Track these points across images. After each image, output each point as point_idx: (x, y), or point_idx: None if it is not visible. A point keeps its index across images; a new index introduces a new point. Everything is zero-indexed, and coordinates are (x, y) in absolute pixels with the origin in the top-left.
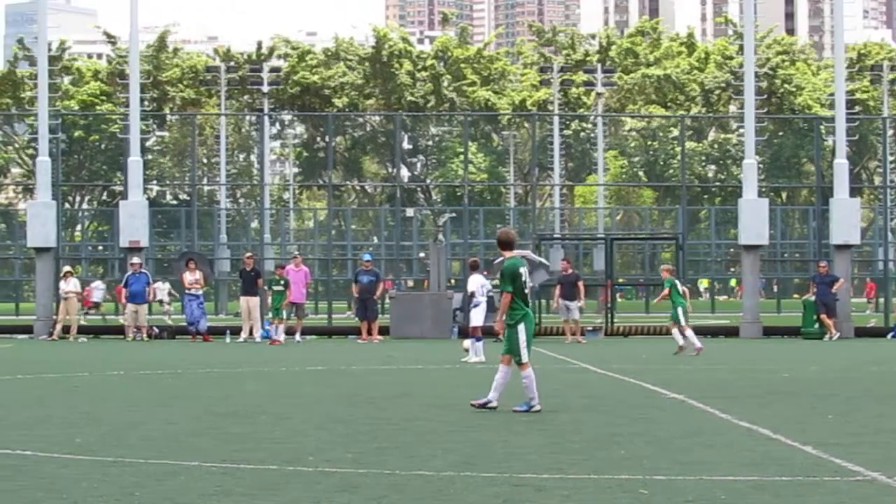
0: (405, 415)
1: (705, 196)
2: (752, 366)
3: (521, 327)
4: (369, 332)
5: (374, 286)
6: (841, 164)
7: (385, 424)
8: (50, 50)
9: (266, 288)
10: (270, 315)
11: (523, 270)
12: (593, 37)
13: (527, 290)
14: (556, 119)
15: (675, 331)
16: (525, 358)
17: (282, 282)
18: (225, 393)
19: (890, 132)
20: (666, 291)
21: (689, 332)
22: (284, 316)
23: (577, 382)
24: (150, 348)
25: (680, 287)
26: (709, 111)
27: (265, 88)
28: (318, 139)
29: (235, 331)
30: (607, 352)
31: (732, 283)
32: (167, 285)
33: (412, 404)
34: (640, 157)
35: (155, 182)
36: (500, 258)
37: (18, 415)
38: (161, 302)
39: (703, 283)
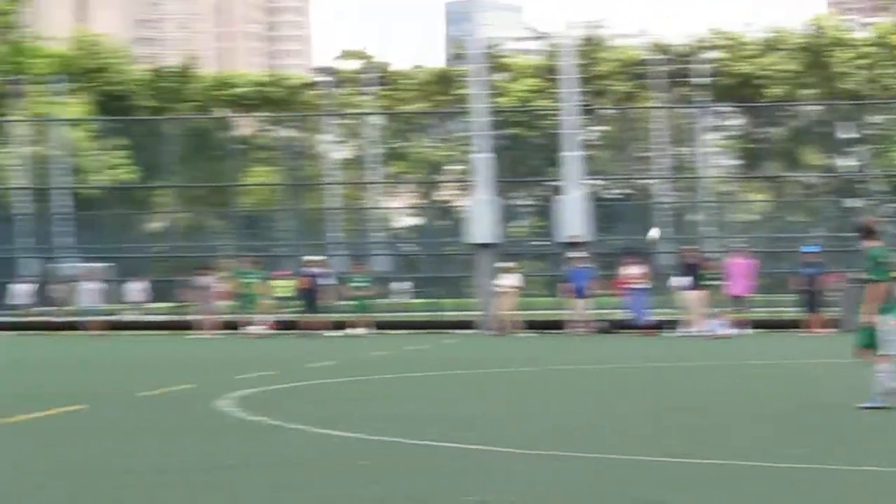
0: (855, 410)
1: None
2: None
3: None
4: (815, 325)
5: (817, 278)
6: None
7: (834, 420)
8: (485, 47)
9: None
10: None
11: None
12: None
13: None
14: None
15: None
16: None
17: (708, 275)
18: (672, 387)
19: None
20: None
21: None
22: (726, 309)
23: None
24: (593, 343)
25: None
26: None
27: (700, 80)
28: (756, 130)
29: (681, 324)
30: None
31: None
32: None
33: (862, 399)
34: None
35: (594, 176)
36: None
37: (459, 409)
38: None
39: None
